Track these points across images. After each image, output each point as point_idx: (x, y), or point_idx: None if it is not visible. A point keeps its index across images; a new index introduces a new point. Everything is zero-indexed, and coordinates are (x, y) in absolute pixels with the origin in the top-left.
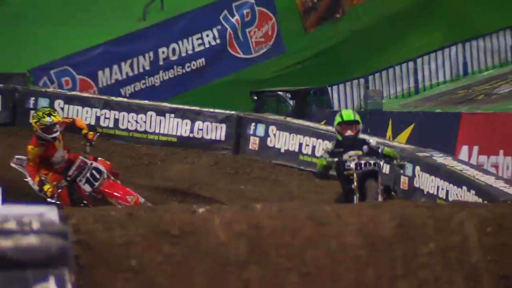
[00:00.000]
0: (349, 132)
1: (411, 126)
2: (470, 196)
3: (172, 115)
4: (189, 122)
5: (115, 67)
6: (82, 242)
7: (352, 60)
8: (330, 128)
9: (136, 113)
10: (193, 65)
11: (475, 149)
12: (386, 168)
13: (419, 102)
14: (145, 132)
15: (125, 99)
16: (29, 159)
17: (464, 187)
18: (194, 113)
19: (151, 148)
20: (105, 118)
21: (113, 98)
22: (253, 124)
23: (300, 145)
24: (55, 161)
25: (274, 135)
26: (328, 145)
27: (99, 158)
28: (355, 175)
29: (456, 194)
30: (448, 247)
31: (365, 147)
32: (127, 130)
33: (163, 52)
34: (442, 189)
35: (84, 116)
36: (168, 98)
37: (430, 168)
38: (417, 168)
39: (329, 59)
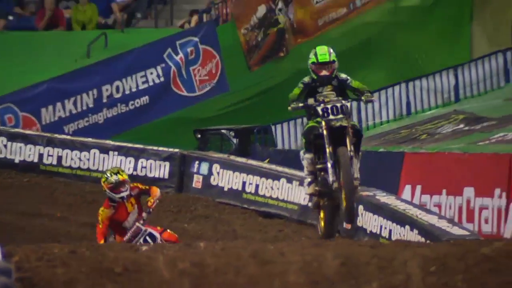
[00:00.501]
0: (324, 72)
1: None
2: (413, 236)
3: (116, 153)
4: (132, 159)
5: (59, 104)
6: (25, 280)
7: None
8: (273, 167)
9: (80, 151)
10: (137, 103)
11: (418, 188)
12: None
13: (363, 141)
14: (89, 169)
15: (68, 137)
16: (98, 221)
17: (407, 227)
18: (137, 151)
19: (95, 185)
20: (48, 155)
21: (57, 135)
22: (196, 162)
23: (244, 183)
24: (128, 226)
25: (218, 173)
26: (305, 78)
27: (168, 230)
28: (324, 130)
29: (399, 234)
30: (392, 286)
31: (334, 81)
32: (70, 167)
33: (106, 90)
34: (385, 228)
35: (27, 153)
36: (111, 135)
37: (373, 207)
38: (361, 207)
39: (273, 97)
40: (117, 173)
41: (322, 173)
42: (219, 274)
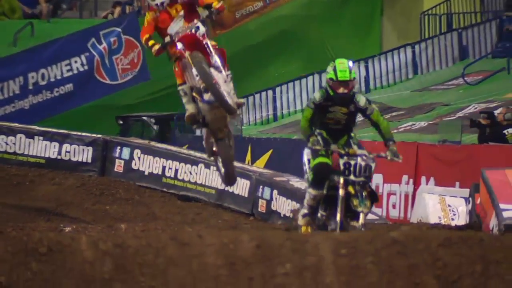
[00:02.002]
0: (342, 90)
1: (269, 152)
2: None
3: (41, 138)
4: (57, 144)
5: None
6: None
7: None
8: (192, 152)
9: (6, 135)
10: (62, 90)
11: None
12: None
13: (277, 129)
14: (15, 153)
15: None
16: (143, 24)
17: None
18: (62, 136)
19: (20, 169)
20: None
21: None
22: (118, 147)
23: (164, 168)
24: (171, 33)
25: (139, 158)
26: (316, 94)
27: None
28: (341, 188)
29: None
30: (304, 267)
31: (351, 106)
32: None
33: (32, 77)
34: None
35: None
36: (37, 121)
37: (287, 192)
38: (275, 191)
39: None
40: None
41: (324, 218)
42: (140, 255)
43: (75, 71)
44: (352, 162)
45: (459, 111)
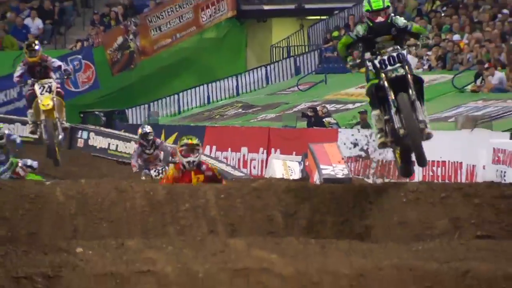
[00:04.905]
0: (379, 19)
1: (175, 134)
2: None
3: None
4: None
5: None
6: None
7: (141, 93)
8: (126, 134)
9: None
10: None
11: (214, 147)
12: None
13: (181, 119)
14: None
15: None
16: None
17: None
18: None
19: None
20: None
21: None
22: (80, 131)
23: (109, 144)
24: None
25: (93, 138)
26: (358, 27)
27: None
28: (384, 81)
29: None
30: (197, 206)
31: (393, 29)
32: None
33: (26, 85)
34: None
35: None
36: None
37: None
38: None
39: (127, 92)
40: (190, 138)
41: (391, 124)
42: (94, 198)
43: None
44: (385, 57)
45: (295, 107)
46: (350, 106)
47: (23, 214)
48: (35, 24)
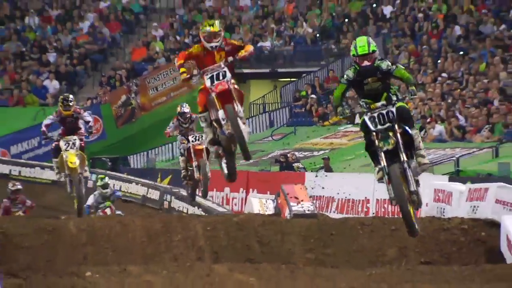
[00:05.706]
0: (365, 63)
1: (170, 176)
2: (199, 211)
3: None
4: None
5: None
6: None
7: (141, 142)
8: (130, 177)
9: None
10: None
11: None
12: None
13: (175, 164)
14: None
15: None
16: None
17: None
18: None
19: None
20: None
21: None
22: (90, 174)
23: (114, 185)
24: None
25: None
26: (348, 71)
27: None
28: (376, 140)
29: (194, 211)
30: (187, 237)
31: (378, 72)
32: None
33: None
34: (185, 208)
35: None
36: (47, 160)
37: (179, 197)
38: (172, 197)
39: (129, 141)
40: (212, 25)
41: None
42: (101, 230)
43: None
44: (375, 114)
45: (270, 154)
46: (315, 153)
47: (42, 244)
48: (53, 84)
